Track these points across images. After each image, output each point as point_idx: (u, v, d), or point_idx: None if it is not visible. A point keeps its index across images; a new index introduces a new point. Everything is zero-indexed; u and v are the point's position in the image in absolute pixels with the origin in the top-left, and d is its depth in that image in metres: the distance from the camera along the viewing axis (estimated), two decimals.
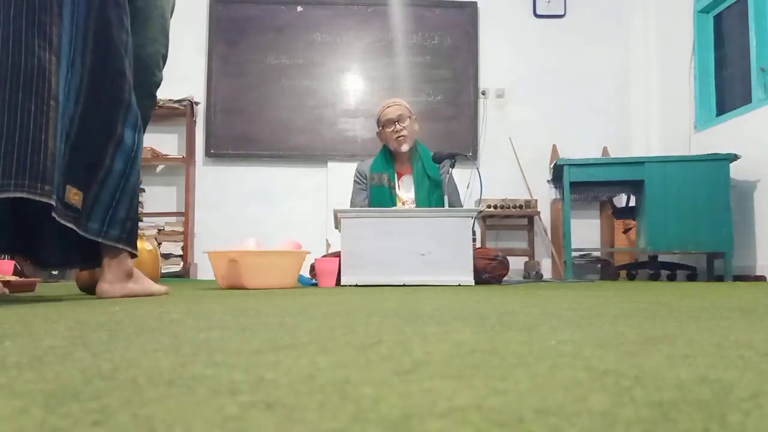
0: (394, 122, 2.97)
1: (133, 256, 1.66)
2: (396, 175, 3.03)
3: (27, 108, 1.38)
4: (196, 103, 4.98)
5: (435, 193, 2.95)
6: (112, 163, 1.59)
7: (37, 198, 1.36)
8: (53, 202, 1.39)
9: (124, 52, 1.64)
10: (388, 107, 3.03)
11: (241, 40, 5.07)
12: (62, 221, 1.45)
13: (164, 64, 1.86)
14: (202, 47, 5.05)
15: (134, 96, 1.66)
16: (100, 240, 1.55)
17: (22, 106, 1.37)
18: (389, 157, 3.04)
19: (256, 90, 5.04)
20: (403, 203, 2.99)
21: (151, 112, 1.87)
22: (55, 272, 4.12)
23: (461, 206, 2.89)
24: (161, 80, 1.86)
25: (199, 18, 5.02)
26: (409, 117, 3.01)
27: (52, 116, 1.41)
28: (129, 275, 1.65)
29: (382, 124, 3.03)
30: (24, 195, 1.34)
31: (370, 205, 3.01)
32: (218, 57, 5.04)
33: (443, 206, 2.93)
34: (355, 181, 3.14)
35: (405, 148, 2.97)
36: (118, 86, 1.61)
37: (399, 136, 2.96)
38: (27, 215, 1.58)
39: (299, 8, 5.12)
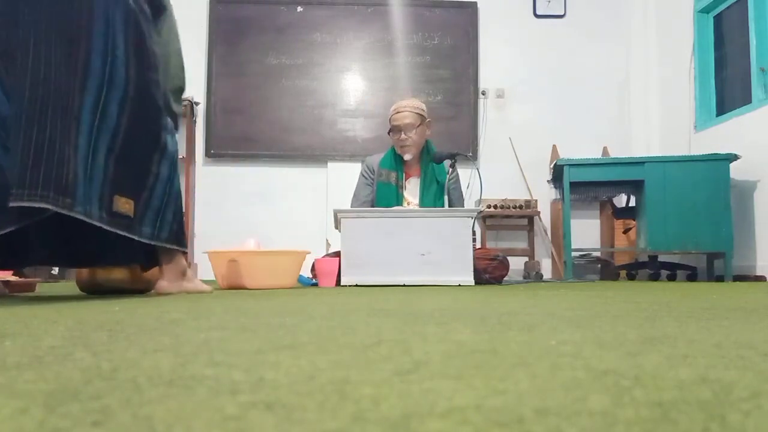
0: (401, 130, 2.91)
1: (184, 254, 1.77)
2: (404, 175, 2.99)
3: (57, 124, 1.43)
4: (196, 104, 4.97)
5: (441, 199, 2.92)
6: (159, 170, 1.67)
7: (58, 209, 1.40)
8: (77, 215, 1.44)
9: (157, 64, 1.71)
10: (398, 113, 2.93)
11: (241, 40, 5.06)
12: (114, 230, 1.52)
13: (182, 94, 1.93)
14: (202, 47, 5.04)
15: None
16: (153, 243, 1.64)
17: (53, 122, 1.42)
18: (399, 156, 2.99)
19: (256, 90, 5.03)
20: (409, 204, 2.97)
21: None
22: (54, 272, 4.12)
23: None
24: (180, 112, 1.92)
25: (199, 18, 5.02)
26: (417, 125, 2.90)
27: (73, 134, 1.46)
28: (183, 274, 1.79)
29: (390, 128, 2.97)
30: (46, 206, 1.38)
31: (374, 201, 3.00)
32: (218, 57, 5.04)
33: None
34: (362, 174, 3.09)
35: (408, 157, 2.94)
36: (157, 95, 1.69)
37: (403, 146, 2.93)
38: (82, 230, 1.60)
39: (299, 8, 5.12)
